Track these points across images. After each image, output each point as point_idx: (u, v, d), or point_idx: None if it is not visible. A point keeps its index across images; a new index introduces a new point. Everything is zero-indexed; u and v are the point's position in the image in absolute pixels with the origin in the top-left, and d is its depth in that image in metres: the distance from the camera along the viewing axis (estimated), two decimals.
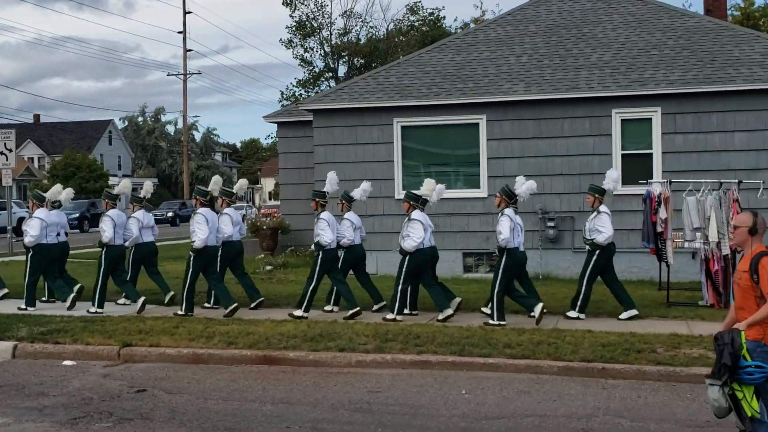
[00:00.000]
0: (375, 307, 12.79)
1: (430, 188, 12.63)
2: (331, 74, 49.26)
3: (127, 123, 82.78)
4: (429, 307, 12.71)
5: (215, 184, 13.57)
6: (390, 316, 11.90)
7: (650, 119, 16.27)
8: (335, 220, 12.58)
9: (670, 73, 16.44)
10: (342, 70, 49.55)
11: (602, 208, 12.23)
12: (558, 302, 13.23)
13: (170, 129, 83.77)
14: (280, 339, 10.47)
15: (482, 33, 19.83)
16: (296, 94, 48.89)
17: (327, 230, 12.23)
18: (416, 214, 12.22)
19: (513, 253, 11.85)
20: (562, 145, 16.69)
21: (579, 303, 12.20)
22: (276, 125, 21.61)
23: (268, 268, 18.44)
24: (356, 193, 13.22)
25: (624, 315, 12.05)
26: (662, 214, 13.15)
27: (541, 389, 8.52)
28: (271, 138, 67.96)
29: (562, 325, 11.39)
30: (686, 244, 13.70)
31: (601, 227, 11.98)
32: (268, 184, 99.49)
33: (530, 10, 20.47)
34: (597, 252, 12.10)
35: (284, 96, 49.92)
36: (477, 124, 17.07)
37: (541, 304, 11.64)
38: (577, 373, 9.14)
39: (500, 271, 11.79)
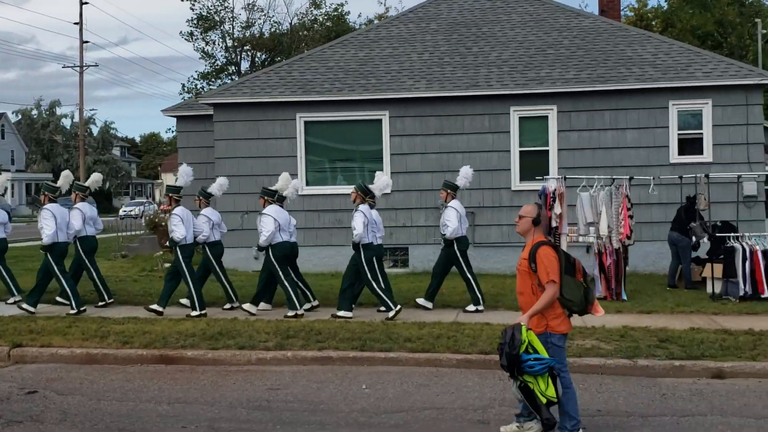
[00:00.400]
0: (226, 306, 12.75)
1: (284, 183, 12.58)
2: (233, 68, 48.58)
3: (20, 116, 79.48)
4: (334, 302, 12.69)
5: (64, 178, 13.15)
6: (290, 312, 11.82)
7: (547, 117, 16.70)
8: (191, 216, 12.44)
9: (565, 72, 16.90)
10: (245, 64, 48.94)
11: (452, 203, 12.60)
12: (459, 296, 13.43)
13: (66, 123, 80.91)
14: (178, 338, 10.28)
15: (385, 30, 19.92)
16: (198, 87, 48.02)
17: (180, 226, 12.10)
18: (269, 209, 12.15)
19: (368, 247, 12.03)
20: (463, 141, 16.95)
21: (474, 296, 12.38)
22: (175, 119, 21.13)
23: (167, 265, 18.01)
24: (213, 189, 13.17)
25: (470, 308, 12.35)
26: (557, 209, 13.50)
27: (440, 382, 8.63)
28: (172, 132, 66.56)
29: (462, 319, 11.56)
30: (580, 239, 14.14)
31: (448, 221, 12.30)
32: (168, 179, 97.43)
33: (432, 8, 20.68)
34: (454, 245, 12.38)
35: (185, 89, 48.94)
36: (380, 120, 17.15)
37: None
38: (475, 365, 9.29)
39: (364, 267, 11.92)
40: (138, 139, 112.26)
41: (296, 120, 17.27)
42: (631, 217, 13.49)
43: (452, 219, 12.36)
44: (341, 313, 11.71)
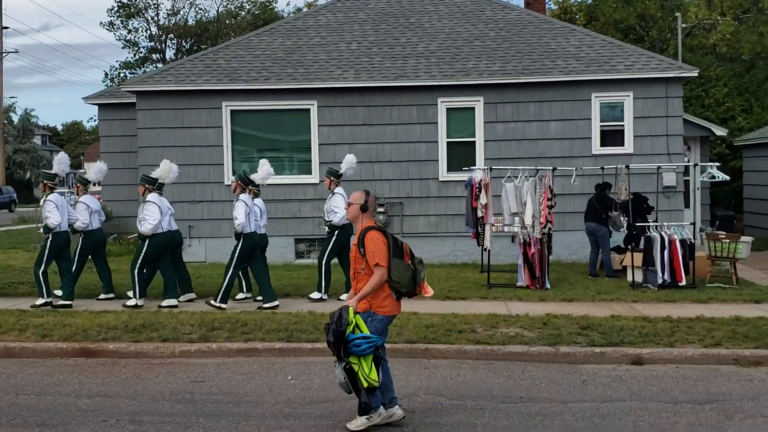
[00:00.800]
0: (101, 297, 12.63)
1: (165, 170, 12.45)
2: (158, 56, 47.63)
3: None
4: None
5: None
6: (215, 302, 11.68)
7: (473, 108, 16.85)
8: (65, 203, 12.22)
9: (491, 63, 17.07)
10: (170, 52, 48.03)
11: (338, 190, 12.72)
12: None
13: None
14: (99, 330, 10.04)
15: (313, 18, 19.79)
16: (121, 75, 46.91)
17: (54, 212, 11.90)
18: (151, 196, 12.00)
19: (250, 237, 12.06)
20: (391, 132, 16.98)
21: (320, 283, 12.47)
22: (97, 107, 20.59)
23: None
24: (91, 175, 13.12)
25: (344, 296, 12.25)
26: (483, 199, 13.67)
27: None
28: (94, 121, 64.89)
29: None
30: (505, 228, 14.33)
31: (336, 208, 12.37)
32: (91, 168, 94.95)
33: None
34: (336, 232, 12.48)
35: (108, 77, 47.79)
36: (308, 110, 17.05)
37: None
38: (401, 354, 9.33)
39: (236, 255, 11.95)
40: (60, 128, 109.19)
41: (222, 109, 17.03)
42: (551, 207, 13.73)
43: (340, 206, 12.39)
44: (267, 305, 11.64)
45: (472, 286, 13.49)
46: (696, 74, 16.76)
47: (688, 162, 18.06)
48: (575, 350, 9.21)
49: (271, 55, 17.95)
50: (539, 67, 16.83)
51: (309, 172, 17.08)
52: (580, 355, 9.15)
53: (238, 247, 11.93)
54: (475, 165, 15.90)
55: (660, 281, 13.10)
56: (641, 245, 13.60)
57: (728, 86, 26.67)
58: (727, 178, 14.34)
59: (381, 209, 16.79)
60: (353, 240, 6.82)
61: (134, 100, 17.72)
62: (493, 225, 13.96)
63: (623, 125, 16.66)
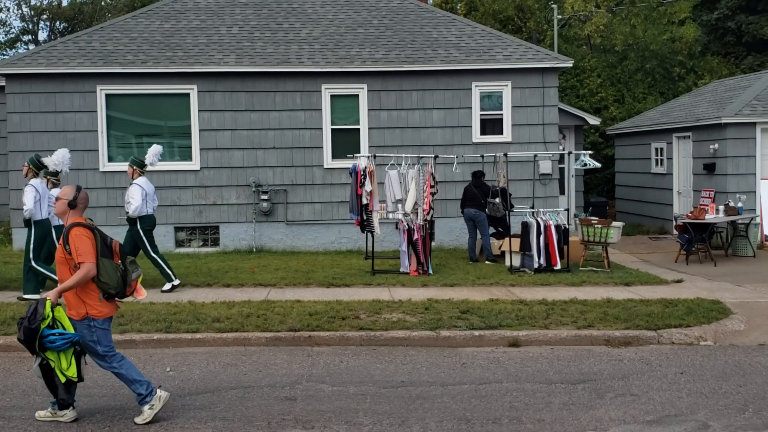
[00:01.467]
0: None
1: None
2: (30, 37, 45.41)
3: None
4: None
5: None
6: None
7: (357, 96, 16.87)
8: None
9: (375, 51, 17.13)
10: (43, 34, 45.88)
11: (138, 180, 12.25)
12: (271, 274, 13.35)
13: None
14: None
15: (192, 1, 19.28)
16: None
17: None
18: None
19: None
20: (275, 118, 16.80)
21: (164, 273, 12.17)
22: None
23: None
24: None
25: (166, 287, 12.10)
26: (368, 186, 13.72)
27: (248, 361, 8.55)
28: None
29: (273, 296, 11.50)
30: (389, 215, 14.45)
31: (132, 198, 12.08)
32: None
33: None
34: (137, 223, 12.21)
35: None
36: (188, 95, 16.64)
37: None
38: (284, 342, 9.28)
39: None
40: None
41: (97, 93, 16.40)
42: (433, 194, 13.94)
43: (136, 196, 11.99)
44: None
45: (357, 273, 13.54)
46: (571, 65, 17.33)
47: (563, 150, 18.66)
48: (455, 334, 9.39)
49: (149, 38, 17.42)
50: (421, 55, 17.01)
51: (189, 159, 16.70)
52: (460, 338, 9.34)
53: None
54: (359, 152, 15.93)
55: (536, 265, 13.52)
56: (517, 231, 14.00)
57: (602, 77, 27.74)
58: (599, 165, 14.89)
59: (265, 197, 16.61)
60: (60, 240, 6.50)
61: (3, 84, 16.84)
62: (378, 212, 14.05)
63: (502, 114, 17.07)
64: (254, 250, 16.63)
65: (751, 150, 17.26)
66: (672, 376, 7.93)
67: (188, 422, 6.56)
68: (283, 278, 12.97)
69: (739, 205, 15.99)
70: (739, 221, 15.94)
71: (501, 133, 17.06)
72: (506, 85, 16.97)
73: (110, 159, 16.54)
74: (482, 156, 15.68)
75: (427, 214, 13.70)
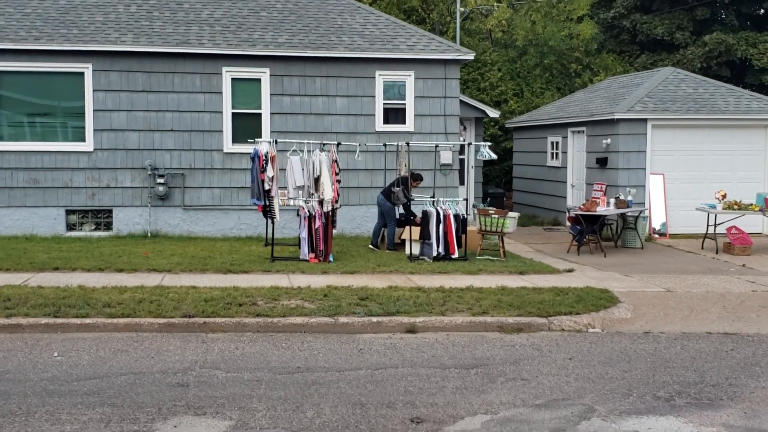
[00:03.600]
0: None
1: None
2: None
3: None
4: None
5: None
6: None
7: (259, 80, 16.65)
8: None
9: (278, 35, 16.94)
10: None
11: None
12: (166, 260, 13.07)
13: None
14: None
15: None
16: None
17: None
18: None
19: None
20: (173, 100, 16.40)
21: None
22: None
23: None
24: None
25: None
26: (270, 172, 13.57)
27: (139, 347, 8.34)
28: None
29: (168, 282, 11.26)
30: (291, 202, 14.33)
31: None
32: None
33: None
34: None
35: None
36: (82, 74, 16.05)
37: None
38: (178, 329, 9.10)
39: None
40: None
41: None
42: (338, 181, 13.92)
43: None
44: None
45: (256, 260, 13.40)
46: (472, 57, 17.57)
47: (464, 141, 18.93)
48: (353, 320, 9.41)
49: (43, 14, 16.71)
50: (326, 42, 16.93)
51: (82, 140, 16.12)
52: (358, 324, 9.37)
53: None
54: (261, 137, 15.72)
55: (435, 254, 13.69)
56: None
57: (502, 71, 28.29)
58: (495, 156, 15.18)
59: (161, 180, 16.22)
60: None
61: None
62: (279, 198, 13.92)
63: (405, 104, 17.17)
64: (149, 235, 16.23)
65: (642, 145, 17.93)
66: (561, 361, 8.17)
67: (75, 408, 6.34)
68: (179, 264, 12.71)
69: (629, 198, 16.61)
70: (629, 214, 16.55)
71: (404, 122, 17.16)
72: (409, 75, 17.07)
73: (1, 138, 15.82)
74: (385, 145, 15.73)
75: (336, 202, 13.67)
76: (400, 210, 15.17)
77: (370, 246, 14.96)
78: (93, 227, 16.35)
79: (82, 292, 10.25)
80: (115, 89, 16.18)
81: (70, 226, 16.25)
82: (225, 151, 16.64)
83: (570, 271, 13.28)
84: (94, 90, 16.08)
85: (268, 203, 13.69)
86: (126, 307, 9.50)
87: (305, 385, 7.16)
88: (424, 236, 13.82)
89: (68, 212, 16.22)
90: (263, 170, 13.60)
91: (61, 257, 13.01)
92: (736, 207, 16.24)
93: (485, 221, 14.45)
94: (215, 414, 6.32)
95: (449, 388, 7.18)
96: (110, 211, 16.39)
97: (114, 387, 6.92)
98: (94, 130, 16.11)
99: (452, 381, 7.38)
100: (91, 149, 16.13)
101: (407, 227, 14.35)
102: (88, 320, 9.05)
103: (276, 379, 7.32)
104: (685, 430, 6.26)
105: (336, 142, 14.32)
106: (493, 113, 21.38)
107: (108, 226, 16.40)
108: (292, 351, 8.36)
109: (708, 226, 16.30)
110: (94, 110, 16.10)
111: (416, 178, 15.02)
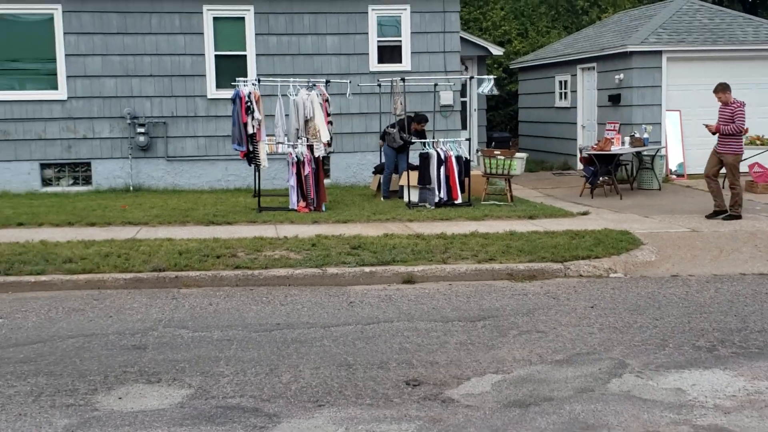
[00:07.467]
0: None
1: None
2: None
3: None
4: None
5: None
6: None
7: (243, 18, 15.40)
8: None
9: None
10: None
11: None
12: (144, 212, 12.00)
13: None
14: None
15: None
16: None
17: None
18: None
19: None
20: (151, 42, 15.18)
21: None
22: None
23: None
24: None
25: None
26: (257, 114, 12.39)
27: (99, 306, 7.30)
28: None
29: (142, 235, 10.19)
30: (280, 148, 13.17)
31: None
32: None
33: None
34: None
35: None
36: (51, 16, 14.83)
37: None
38: (147, 284, 8.06)
39: None
40: None
41: None
42: (330, 123, 12.79)
43: None
44: None
45: (241, 210, 12.33)
46: None
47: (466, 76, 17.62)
48: (344, 271, 8.35)
49: None
50: None
51: (55, 87, 14.95)
52: (349, 276, 8.31)
53: None
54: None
55: (437, 200, 12.59)
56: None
57: (505, 9, 26.85)
58: (497, 92, 13.96)
59: (142, 130, 15.07)
60: None
61: None
62: (266, 143, 12.75)
63: (401, 41, 15.92)
64: (131, 189, 15.14)
65: (657, 80, 16.69)
66: (582, 310, 7.12)
67: (2, 379, 5.30)
68: (157, 216, 11.65)
69: (645, 135, 15.42)
70: (645, 153, 15.39)
71: (400, 61, 15.93)
72: (405, 9, 15.79)
73: None
74: (379, 84, 14.56)
75: (329, 145, 12.56)
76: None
77: (382, 199, 13.64)
78: (71, 182, 15.26)
79: (43, 247, 9.19)
80: (87, 32, 14.95)
81: (46, 181, 15.16)
82: (209, 96, 15.47)
83: (585, 214, 12.17)
84: (65, 33, 14.86)
85: (252, 149, 12.51)
86: (89, 261, 8.45)
87: (284, 343, 6.11)
88: (424, 181, 12.70)
89: (43, 166, 15.12)
90: (247, 112, 12.41)
91: (29, 212, 11.95)
92: (758, 142, 15.04)
93: (490, 163, 13.31)
94: (172, 381, 5.28)
95: (452, 343, 6.13)
96: (88, 164, 15.28)
97: (57, 352, 5.88)
98: (67, 76, 14.93)
99: (456, 336, 6.33)
100: (65, 97, 14.97)
101: (405, 172, 13.21)
102: (43, 277, 8.01)
103: (250, 337, 6.28)
104: (737, 384, 5.21)
105: (325, 81, 13.11)
106: (496, 51, 20.08)
107: (87, 181, 15.31)
108: (272, 306, 7.31)
109: None
110: (65, 55, 14.90)
111: (420, 119, 13.73)
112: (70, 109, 15.00)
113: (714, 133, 11.89)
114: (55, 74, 14.93)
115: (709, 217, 11.69)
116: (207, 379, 5.32)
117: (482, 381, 5.33)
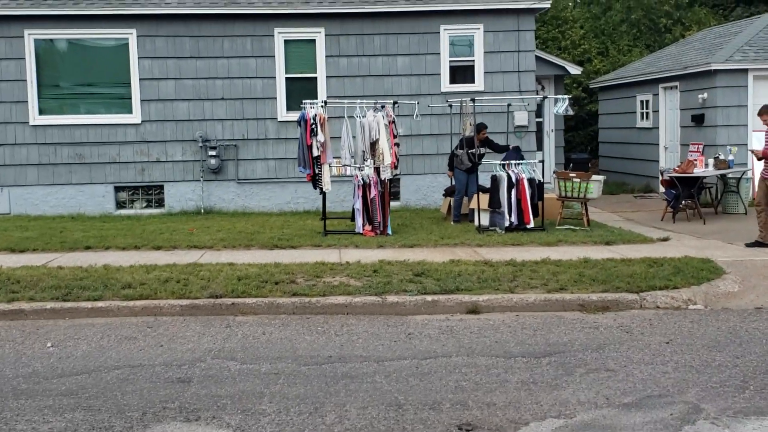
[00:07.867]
0: None
1: None
2: None
3: None
4: None
5: None
6: None
7: (314, 41, 15.32)
8: None
9: None
10: None
11: None
12: (210, 236, 11.93)
13: None
14: None
15: None
16: None
17: None
18: None
19: None
20: (223, 66, 15.23)
21: None
22: None
23: None
24: None
25: None
26: (320, 137, 12.25)
27: (151, 334, 7.15)
28: None
29: (205, 260, 10.08)
30: (347, 171, 12.97)
31: None
32: None
33: None
34: None
35: None
36: (126, 41, 15.05)
37: None
38: (203, 311, 7.90)
39: None
40: None
41: (25, 37, 14.77)
42: (397, 145, 12.51)
43: None
44: None
45: (307, 234, 12.13)
46: (549, 5, 15.73)
47: (542, 96, 17.14)
48: (404, 299, 8.02)
49: None
50: None
51: (129, 111, 15.13)
52: (410, 304, 7.97)
53: None
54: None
55: (507, 224, 12.15)
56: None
57: (585, 28, 26.20)
58: (572, 112, 13.40)
59: (213, 152, 15.11)
60: None
61: None
62: (334, 166, 12.54)
63: (473, 60, 15.56)
64: (202, 211, 15.16)
65: (742, 99, 15.86)
66: (656, 346, 6.60)
67: (39, 414, 5.14)
68: (223, 240, 11.55)
69: (730, 157, 14.63)
70: (730, 175, 14.59)
71: (472, 81, 15.57)
72: (478, 29, 15.44)
73: (41, 112, 14.98)
74: (450, 105, 14.23)
75: (395, 167, 12.29)
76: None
77: (452, 222, 13.29)
78: (144, 204, 15.40)
79: (105, 272, 9.15)
80: (161, 56, 15.11)
81: (120, 204, 15.34)
82: (279, 119, 15.41)
83: (665, 239, 11.53)
84: (139, 57, 15.04)
85: (317, 171, 12.34)
86: (148, 287, 8.34)
87: (333, 379, 5.81)
88: (494, 204, 12.28)
89: (117, 189, 15.30)
90: (312, 135, 12.26)
91: (98, 235, 12.02)
92: None
93: (566, 186, 12.80)
94: (210, 419, 5.02)
95: (513, 382, 5.71)
96: (161, 187, 15.39)
97: (100, 384, 5.71)
98: (141, 100, 15.10)
99: (517, 373, 5.91)
100: (139, 121, 15.14)
101: (475, 195, 12.81)
102: (100, 303, 7.92)
103: (299, 371, 5.99)
104: None
105: (392, 102, 12.86)
106: (574, 69, 19.49)
107: (160, 203, 15.42)
108: (326, 336, 7.02)
109: None
110: (140, 79, 15.07)
111: (480, 128, 13.25)
112: (144, 133, 15.15)
113: (759, 159, 11.12)
114: (130, 98, 15.12)
115: (749, 245, 10.89)
116: (247, 417, 5.04)
117: (542, 426, 4.90)
